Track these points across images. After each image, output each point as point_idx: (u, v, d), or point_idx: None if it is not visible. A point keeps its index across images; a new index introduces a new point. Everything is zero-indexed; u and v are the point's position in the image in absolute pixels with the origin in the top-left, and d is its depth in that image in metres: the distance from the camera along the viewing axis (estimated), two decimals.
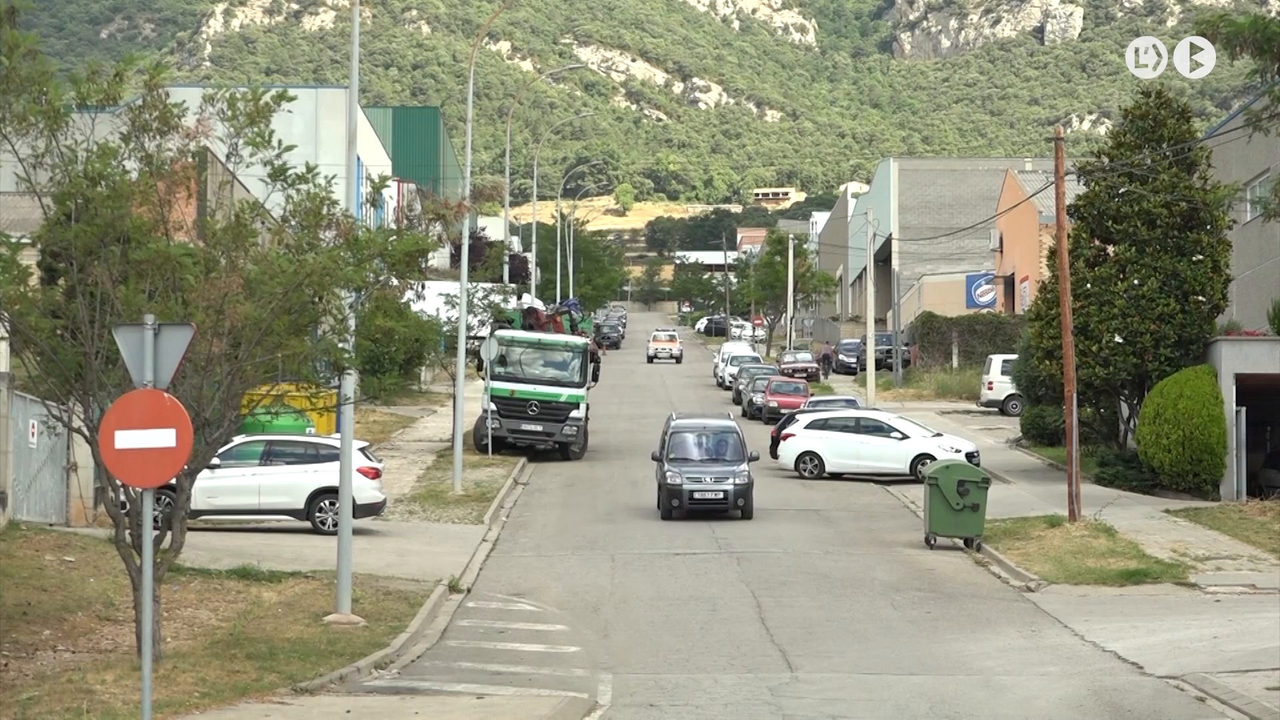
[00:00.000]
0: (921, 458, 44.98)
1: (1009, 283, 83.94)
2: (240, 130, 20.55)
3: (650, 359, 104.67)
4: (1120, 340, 42.09)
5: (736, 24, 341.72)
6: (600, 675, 21.87)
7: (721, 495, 38.00)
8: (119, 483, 19.71)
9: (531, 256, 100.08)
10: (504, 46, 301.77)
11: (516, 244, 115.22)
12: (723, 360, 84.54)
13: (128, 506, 20.52)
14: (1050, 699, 20.58)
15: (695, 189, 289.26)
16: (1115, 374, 42.37)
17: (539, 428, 50.05)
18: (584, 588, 29.77)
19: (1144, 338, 41.97)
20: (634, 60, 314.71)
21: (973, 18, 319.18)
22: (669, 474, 38.33)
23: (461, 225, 37.43)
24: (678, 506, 37.97)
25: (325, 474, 33.13)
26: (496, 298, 54.04)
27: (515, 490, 44.03)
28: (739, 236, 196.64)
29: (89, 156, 20.02)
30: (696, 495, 37.96)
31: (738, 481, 38.17)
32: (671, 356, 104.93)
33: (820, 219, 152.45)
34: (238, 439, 31.71)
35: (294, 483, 33.64)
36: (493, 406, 49.59)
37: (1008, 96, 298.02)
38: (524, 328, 53.79)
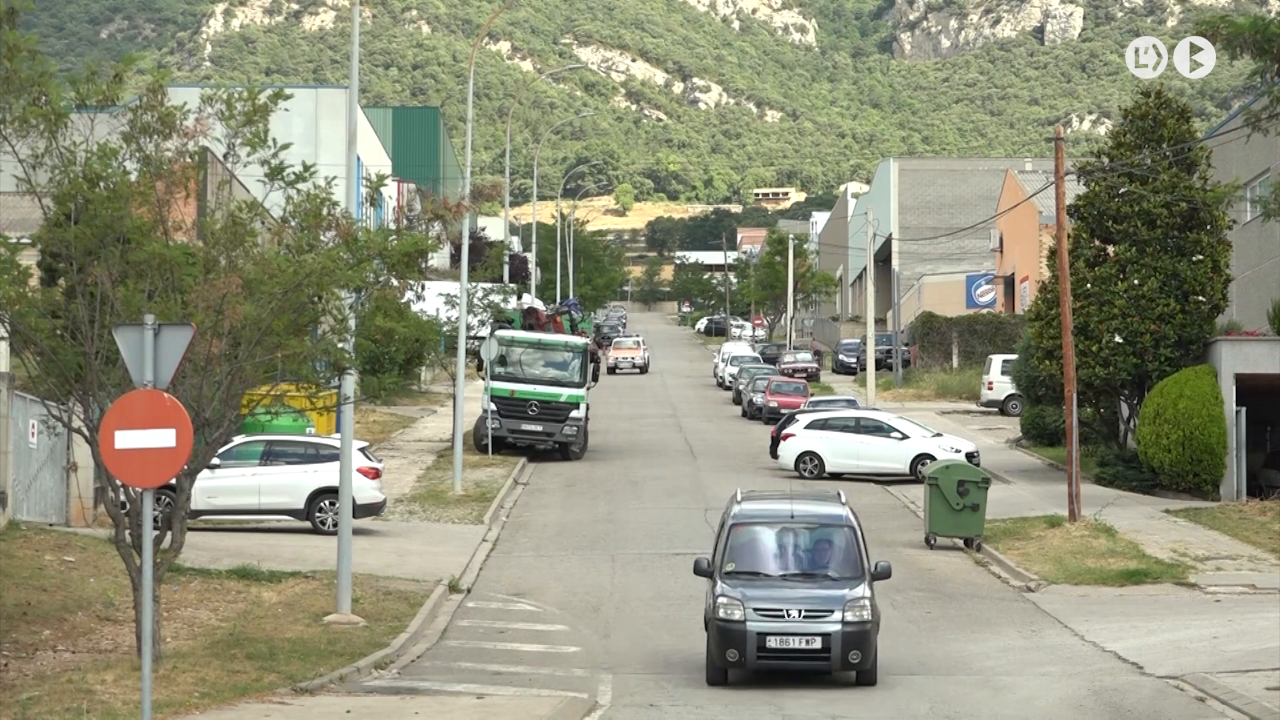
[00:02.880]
0: (921, 458, 44.95)
1: (1009, 283, 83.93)
2: (237, 130, 20.58)
3: (611, 369, 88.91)
4: (1120, 340, 42.08)
5: (736, 24, 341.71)
6: (600, 675, 21.88)
7: (818, 643, 21.20)
8: (119, 483, 19.71)
9: (531, 256, 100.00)
10: (504, 46, 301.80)
11: (516, 244, 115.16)
12: (723, 360, 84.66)
13: (128, 506, 20.53)
14: (1050, 699, 20.59)
15: (695, 189, 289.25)
16: (1115, 374, 42.35)
17: (539, 428, 50.00)
18: (584, 588, 29.77)
19: (1144, 338, 41.96)
20: (634, 60, 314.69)
21: (973, 18, 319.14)
22: (723, 600, 21.45)
23: (461, 225, 37.48)
24: (737, 661, 21.31)
25: (325, 474, 33.10)
26: (496, 298, 54.03)
27: (515, 490, 44.01)
28: (739, 236, 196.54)
29: (89, 157, 20.03)
30: (773, 643, 21.20)
31: (850, 617, 21.21)
32: (635, 366, 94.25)
33: (820, 219, 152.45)
34: (238, 439, 31.70)
35: (294, 483, 33.62)
36: (493, 406, 49.55)
37: (1008, 96, 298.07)
38: (524, 328, 53.73)
